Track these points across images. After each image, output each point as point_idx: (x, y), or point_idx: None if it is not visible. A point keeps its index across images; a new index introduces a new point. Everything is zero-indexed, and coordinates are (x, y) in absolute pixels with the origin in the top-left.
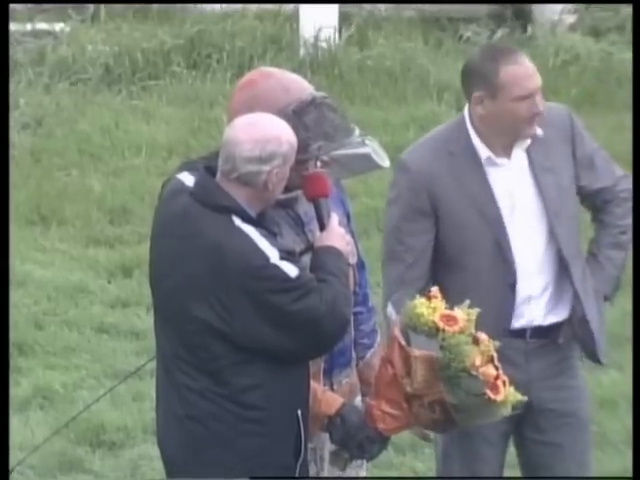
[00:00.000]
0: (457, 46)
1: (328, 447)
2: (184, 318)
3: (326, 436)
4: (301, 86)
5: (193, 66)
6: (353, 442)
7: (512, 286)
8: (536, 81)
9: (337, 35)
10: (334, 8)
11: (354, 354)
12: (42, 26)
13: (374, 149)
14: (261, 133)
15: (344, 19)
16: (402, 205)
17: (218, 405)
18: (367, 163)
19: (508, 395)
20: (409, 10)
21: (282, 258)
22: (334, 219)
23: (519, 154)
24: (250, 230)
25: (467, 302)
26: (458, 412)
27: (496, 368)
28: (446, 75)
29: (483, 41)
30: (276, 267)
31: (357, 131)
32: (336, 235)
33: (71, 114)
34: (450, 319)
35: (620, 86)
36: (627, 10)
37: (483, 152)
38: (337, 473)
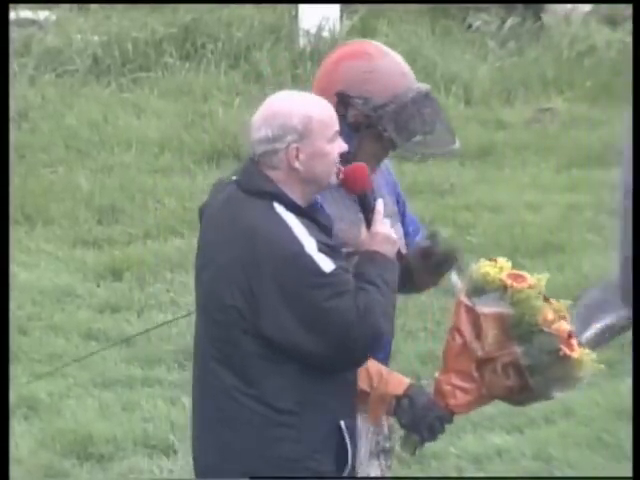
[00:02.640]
0: (466, 36)
1: (367, 437)
2: (216, 308)
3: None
4: (411, 74)
5: (186, 57)
6: (424, 424)
7: None
8: None
9: (339, 25)
10: None
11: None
12: (26, 14)
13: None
14: (270, 111)
15: (347, 8)
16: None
17: (249, 408)
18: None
19: (583, 354)
20: None
21: (320, 250)
22: (380, 216)
23: None
24: (290, 217)
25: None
26: (533, 374)
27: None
28: (454, 66)
29: (493, 30)
30: (309, 257)
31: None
32: (381, 237)
33: (57, 108)
34: (518, 277)
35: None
36: None
37: None
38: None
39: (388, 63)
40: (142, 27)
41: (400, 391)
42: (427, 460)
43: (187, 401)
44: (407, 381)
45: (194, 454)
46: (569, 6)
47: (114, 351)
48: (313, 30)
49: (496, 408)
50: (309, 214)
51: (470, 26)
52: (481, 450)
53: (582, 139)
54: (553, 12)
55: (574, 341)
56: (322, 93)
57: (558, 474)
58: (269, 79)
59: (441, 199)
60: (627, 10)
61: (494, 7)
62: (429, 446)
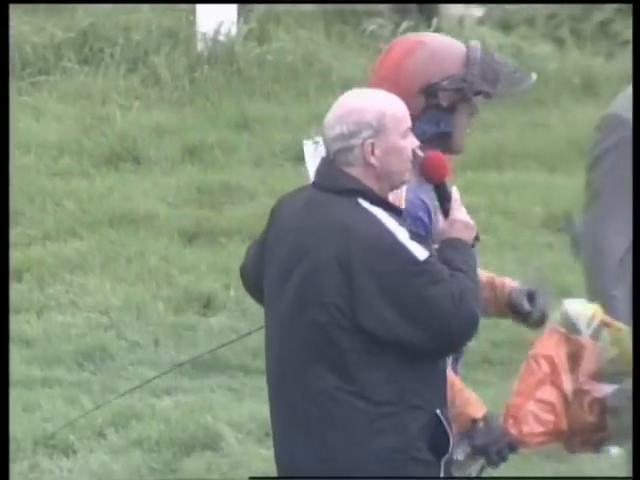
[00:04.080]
0: (360, 40)
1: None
2: (315, 308)
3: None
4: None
5: (85, 61)
6: (494, 448)
7: None
8: None
9: (236, 29)
10: (232, 1)
11: None
12: None
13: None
14: (343, 109)
15: (243, 12)
16: (610, 160)
17: (349, 405)
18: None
19: None
20: (309, 3)
21: (412, 239)
22: (457, 204)
23: None
24: (377, 211)
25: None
26: (613, 417)
27: None
28: (349, 70)
29: (387, 35)
30: (404, 247)
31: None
32: (460, 224)
33: None
34: (609, 323)
35: (545, 85)
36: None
37: None
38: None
39: (439, 40)
40: (41, 31)
41: (479, 414)
42: None
43: (86, 401)
44: (484, 406)
45: (285, 459)
46: (462, 10)
47: (14, 352)
48: (210, 34)
49: None
50: (392, 207)
51: (364, 31)
52: None
53: (476, 142)
54: (447, 16)
55: None
56: (400, 95)
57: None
58: (167, 83)
59: None
60: (520, 15)
61: (388, 11)
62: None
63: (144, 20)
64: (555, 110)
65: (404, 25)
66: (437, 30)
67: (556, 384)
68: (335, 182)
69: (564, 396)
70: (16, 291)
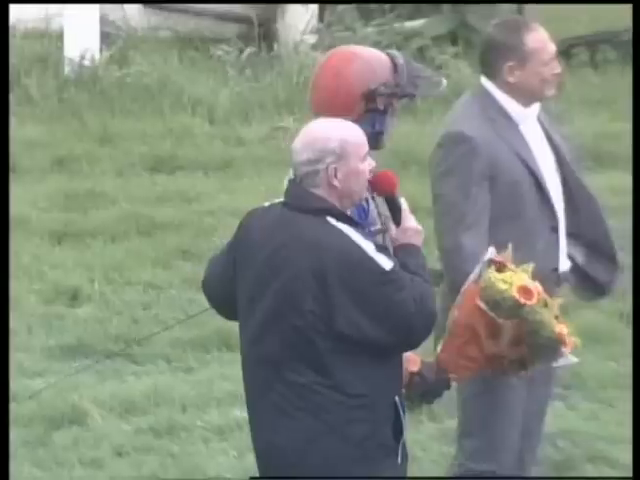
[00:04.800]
0: (209, 64)
1: None
2: (294, 315)
3: None
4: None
5: None
6: (430, 395)
7: (555, 229)
8: (553, 44)
9: (99, 55)
10: (96, 30)
11: None
12: None
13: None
14: (310, 137)
15: (105, 40)
16: (463, 172)
17: (326, 397)
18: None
19: (574, 344)
20: (165, 31)
21: (378, 251)
22: (406, 213)
23: (534, 113)
24: (344, 227)
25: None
26: (533, 366)
27: (563, 322)
28: (199, 90)
29: (232, 59)
30: (371, 259)
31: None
32: (411, 231)
33: None
34: (525, 291)
35: None
36: (365, 30)
37: (515, 114)
38: None
39: (368, 51)
40: None
41: (416, 368)
42: (177, 432)
43: None
44: (419, 359)
45: (266, 443)
46: (298, 38)
47: None
48: (76, 59)
49: (236, 386)
50: (355, 222)
51: (212, 56)
52: (224, 423)
53: None
54: (285, 43)
55: (569, 337)
56: (345, 106)
57: None
58: (38, 102)
59: (188, 206)
60: (348, 41)
61: (234, 38)
62: (178, 419)
63: (17, 46)
64: None
65: (247, 51)
66: (277, 55)
67: (479, 346)
68: (304, 202)
69: (485, 356)
70: None
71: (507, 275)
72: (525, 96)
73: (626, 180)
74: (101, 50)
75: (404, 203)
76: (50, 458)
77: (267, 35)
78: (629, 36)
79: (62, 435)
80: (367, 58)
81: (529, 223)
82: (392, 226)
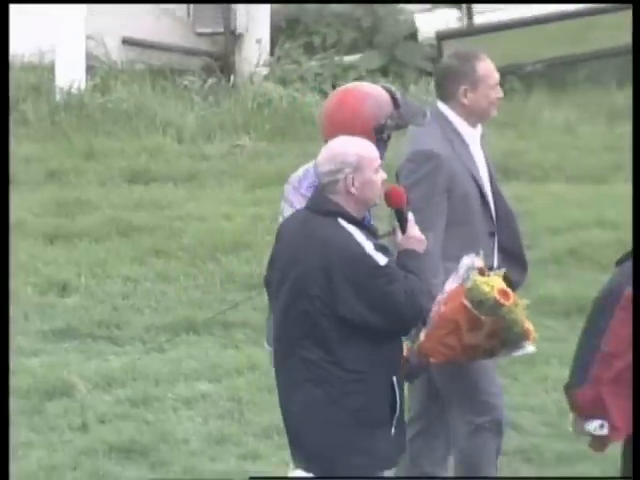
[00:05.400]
0: (177, 92)
1: None
2: (305, 301)
3: None
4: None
5: None
6: (412, 376)
7: (492, 234)
8: (497, 73)
9: (85, 84)
10: (82, 63)
11: None
12: None
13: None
14: (331, 152)
15: (90, 71)
16: (429, 184)
17: (328, 371)
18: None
19: (534, 338)
20: (140, 64)
21: (376, 249)
22: (412, 224)
23: (478, 134)
24: (351, 228)
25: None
26: (499, 354)
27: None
28: (169, 114)
29: (197, 88)
30: (369, 256)
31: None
32: (414, 239)
33: None
34: (504, 294)
35: (304, 123)
36: (309, 64)
37: (466, 135)
38: None
39: (374, 89)
40: None
41: (404, 353)
42: (151, 402)
43: None
44: (407, 346)
45: (285, 411)
46: (252, 70)
47: None
48: (66, 88)
49: (201, 364)
50: (363, 225)
51: (179, 85)
52: (190, 394)
53: (263, 167)
54: (241, 75)
55: (532, 331)
56: (360, 136)
57: (247, 413)
58: (33, 124)
59: (161, 211)
60: (294, 73)
61: (198, 70)
62: (152, 391)
63: (15, 77)
64: (320, 145)
65: (210, 81)
66: (234, 84)
67: (459, 337)
68: (322, 206)
69: (463, 345)
70: None
71: (489, 279)
72: (475, 116)
73: (528, 190)
74: (86, 80)
75: (410, 215)
76: (44, 424)
77: (226, 67)
78: (532, 68)
79: (54, 405)
80: (376, 96)
81: (474, 228)
82: (399, 233)
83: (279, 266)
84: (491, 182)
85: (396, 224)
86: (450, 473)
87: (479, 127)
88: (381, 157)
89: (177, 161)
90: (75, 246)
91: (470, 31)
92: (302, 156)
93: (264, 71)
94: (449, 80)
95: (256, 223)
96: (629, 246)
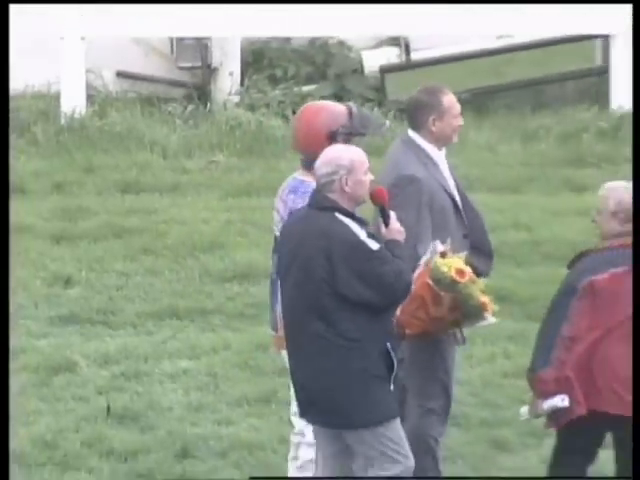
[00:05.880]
0: (162, 117)
1: None
2: (310, 281)
3: None
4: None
5: None
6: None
7: (466, 235)
8: (458, 104)
9: (85, 110)
10: (82, 92)
11: None
12: None
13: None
14: (328, 157)
15: (89, 99)
16: (415, 204)
17: (332, 341)
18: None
19: (493, 310)
20: (132, 93)
21: (368, 237)
22: (393, 219)
23: (444, 154)
24: (347, 220)
25: (449, 246)
26: (464, 325)
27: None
28: (155, 135)
29: (179, 113)
30: (363, 242)
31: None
32: (395, 231)
33: None
34: (460, 272)
35: (268, 142)
36: (273, 93)
37: (435, 157)
38: None
39: (331, 104)
40: None
41: None
42: (141, 377)
43: None
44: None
45: (301, 380)
46: (226, 97)
47: None
48: (69, 113)
49: (183, 344)
50: (356, 217)
51: (164, 110)
52: (174, 370)
53: (234, 180)
54: (216, 102)
55: (489, 303)
56: (316, 145)
57: (221, 385)
58: (43, 143)
59: (149, 217)
60: (261, 100)
61: (180, 99)
62: (141, 367)
63: (27, 104)
64: (283, 161)
65: (190, 107)
66: (210, 110)
67: (426, 310)
68: (321, 203)
69: (430, 318)
70: None
71: (448, 261)
72: (441, 141)
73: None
74: (87, 107)
75: (392, 212)
76: (51, 395)
77: (203, 96)
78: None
79: (59, 379)
80: (330, 109)
81: (451, 233)
82: (383, 227)
83: (285, 254)
84: (459, 191)
85: (380, 219)
86: None
87: (444, 149)
88: None
89: (162, 174)
90: (77, 246)
91: (408, 65)
92: (267, 170)
93: (235, 99)
94: (419, 112)
95: (229, 226)
96: (540, 245)
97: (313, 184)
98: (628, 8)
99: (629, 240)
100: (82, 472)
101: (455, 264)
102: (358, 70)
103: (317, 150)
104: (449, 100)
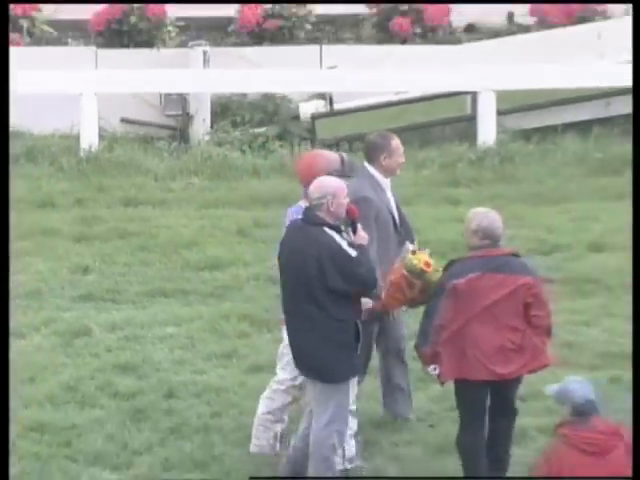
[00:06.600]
0: (154, 151)
1: None
2: (306, 278)
3: None
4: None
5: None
6: (375, 319)
7: (402, 242)
8: (402, 146)
9: (97, 145)
10: (96, 133)
11: None
12: None
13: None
14: (318, 185)
15: (101, 138)
16: (369, 219)
17: (322, 321)
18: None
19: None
20: (132, 134)
21: (348, 245)
22: (360, 229)
23: (389, 182)
24: (332, 233)
25: (413, 247)
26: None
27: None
28: (149, 164)
29: (166, 148)
30: (345, 250)
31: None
32: (362, 238)
33: None
34: (427, 264)
35: (230, 169)
36: (234, 134)
37: (383, 184)
38: None
39: (325, 152)
40: None
41: (369, 306)
42: (139, 339)
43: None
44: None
45: (298, 347)
46: (200, 137)
47: None
48: (87, 148)
49: (168, 316)
50: (339, 230)
51: (156, 147)
52: (162, 335)
53: (206, 196)
54: (193, 140)
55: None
56: (312, 179)
57: (197, 345)
58: (67, 171)
59: (145, 223)
60: (227, 138)
61: (166, 138)
62: (139, 333)
63: (56, 142)
64: (241, 182)
65: (174, 144)
66: (189, 146)
67: (403, 293)
68: (312, 219)
69: (406, 298)
70: None
71: (418, 256)
72: (388, 173)
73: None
74: (99, 144)
75: (359, 224)
76: (73, 353)
77: (184, 136)
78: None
79: (79, 341)
80: (326, 157)
81: (390, 241)
82: (352, 235)
83: (285, 258)
84: (398, 208)
85: (349, 229)
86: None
87: (389, 179)
88: None
89: (154, 193)
90: (92, 244)
91: (331, 113)
92: (229, 189)
93: (207, 138)
94: (374, 150)
95: (202, 230)
96: (427, 244)
97: None
98: (494, 70)
99: (485, 252)
100: (96, 408)
101: (423, 258)
102: (296, 117)
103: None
104: (396, 143)
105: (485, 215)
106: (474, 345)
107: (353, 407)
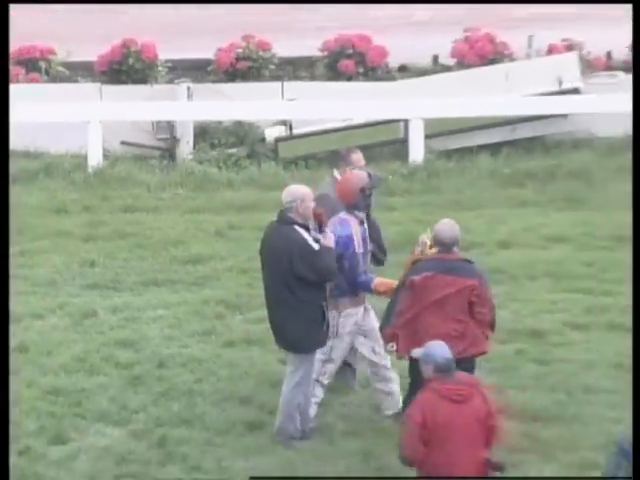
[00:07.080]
0: (147, 167)
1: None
2: (281, 269)
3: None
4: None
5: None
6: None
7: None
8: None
9: (102, 163)
10: (100, 153)
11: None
12: None
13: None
14: (290, 191)
15: (105, 157)
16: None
17: (295, 304)
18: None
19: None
20: (129, 154)
21: (314, 240)
22: (327, 231)
23: None
24: (301, 231)
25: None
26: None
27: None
28: (143, 177)
29: (157, 165)
30: (310, 245)
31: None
32: (329, 239)
33: None
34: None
35: (210, 182)
36: (212, 153)
37: None
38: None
39: (357, 172)
40: None
41: (383, 289)
42: (136, 319)
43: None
44: (386, 283)
45: (275, 324)
46: (185, 156)
47: None
48: (94, 165)
49: (159, 301)
50: (307, 228)
51: (149, 164)
52: (156, 315)
53: (189, 204)
54: (180, 159)
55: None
56: (352, 196)
57: (183, 324)
58: (78, 184)
59: (140, 225)
60: (207, 155)
61: (158, 157)
62: (136, 314)
63: (67, 160)
64: (217, 194)
65: (164, 162)
66: (176, 164)
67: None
68: (285, 220)
69: (404, 281)
70: None
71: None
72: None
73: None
74: (103, 162)
75: (327, 228)
76: (82, 330)
77: (172, 155)
78: (322, 155)
79: (87, 321)
80: (358, 175)
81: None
82: (321, 236)
83: (264, 253)
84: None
85: (318, 230)
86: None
87: None
88: (369, 203)
89: (147, 201)
90: (98, 243)
91: (291, 137)
92: (208, 199)
93: (190, 157)
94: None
95: (187, 232)
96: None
97: (351, 220)
98: (422, 102)
99: (440, 256)
100: (101, 376)
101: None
102: (263, 139)
103: (352, 201)
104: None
105: (440, 226)
106: (425, 330)
107: (325, 381)
